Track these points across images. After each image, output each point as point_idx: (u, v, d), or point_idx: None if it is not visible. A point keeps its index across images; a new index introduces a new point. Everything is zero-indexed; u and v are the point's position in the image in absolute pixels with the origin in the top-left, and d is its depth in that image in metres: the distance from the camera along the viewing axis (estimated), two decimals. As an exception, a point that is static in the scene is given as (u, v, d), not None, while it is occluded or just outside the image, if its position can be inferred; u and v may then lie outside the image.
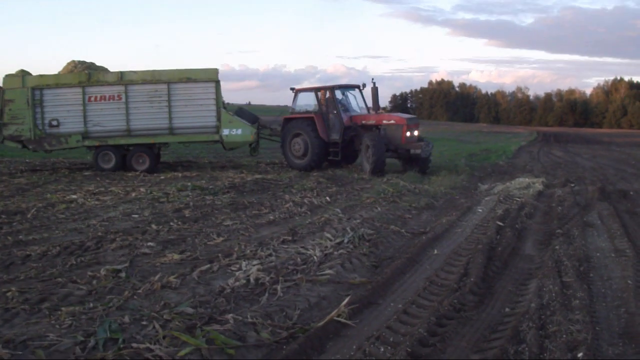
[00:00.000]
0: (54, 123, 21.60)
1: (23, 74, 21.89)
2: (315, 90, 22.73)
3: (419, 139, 21.36)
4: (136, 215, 12.14)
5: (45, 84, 21.64)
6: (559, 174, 23.02)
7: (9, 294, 6.97)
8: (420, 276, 8.22)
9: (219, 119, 22.16)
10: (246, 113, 24.03)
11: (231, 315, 6.26)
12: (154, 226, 10.93)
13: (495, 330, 6.30)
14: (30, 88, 21.41)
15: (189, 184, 16.75)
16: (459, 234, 11.08)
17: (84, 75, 21.88)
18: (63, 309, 6.41)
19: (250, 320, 6.19)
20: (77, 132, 21.66)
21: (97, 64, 23.53)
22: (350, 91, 23.49)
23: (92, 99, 21.72)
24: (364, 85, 22.40)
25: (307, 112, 22.51)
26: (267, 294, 7.08)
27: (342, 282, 7.80)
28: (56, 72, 22.48)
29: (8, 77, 21.79)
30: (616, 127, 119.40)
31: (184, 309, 6.45)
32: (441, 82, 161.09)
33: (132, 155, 21.94)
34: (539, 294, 7.24)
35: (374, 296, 7.25)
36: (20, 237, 10.07)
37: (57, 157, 25.85)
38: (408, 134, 20.72)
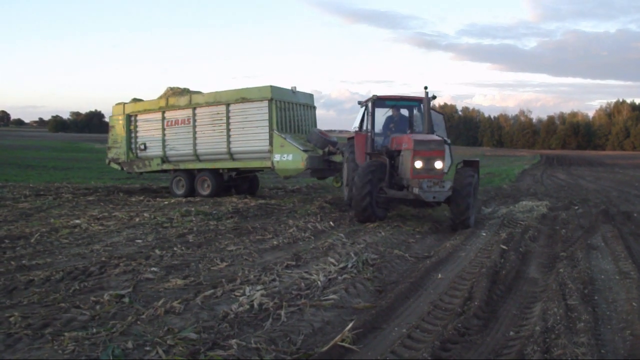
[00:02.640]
0: (142, 147, 22.87)
1: (134, 101, 23.54)
2: (364, 103, 17.24)
3: (443, 172, 14.77)
4: (140, 241, 12.12)
5: (137, 110, 22.99)
6: (563, 197, 23.07)
7: (11, 319, 6.94)
8: (424, 300, 8.19)
9: (271, 142, 19.90)
10: (316, 136, 20.36)
11: (235, 340, 6.24)
12: (157, 251, 10.92)
13: (500, 354, 6.26)
14: (126, 114, 23.13)
15: (193, 209, 16.75)
16: (463, 257, 11.07)
17: (164, 100, 22.44)
18: (66, 334, 6.38)
19: (254, 345, 6.16)
20: (158, 156, 22.54)
21: (194, 89, 23.60)
22: (409, 105, 17.39)
23: (169, 123, 22.25)
24: (434, 97, 15.65)
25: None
26: (270, 319, 7.05)
27: (346, 307, 7.77)
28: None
29: (115, 106, 23.78)
30: (619, 149, 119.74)
31: (188, 335, 6.43)
32: (444, 106, 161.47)
33: (197, 180, 21.97)
34: (544, 317, 7.21)
35: (378, 321, 7.22)
36: (24, 261, 10.06)
37: (61, 182, 25.89)
38: (419, 164, 14.29)
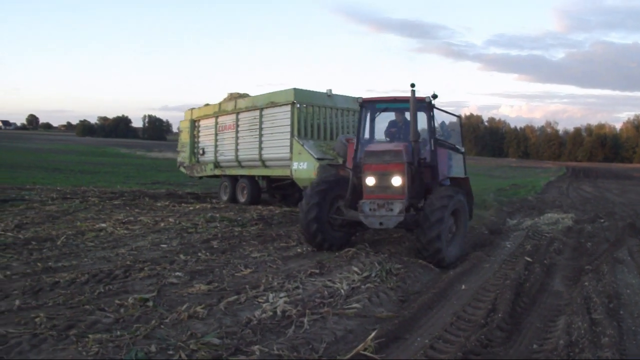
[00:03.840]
0: (201, 152, 23.41)
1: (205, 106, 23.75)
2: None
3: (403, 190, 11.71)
4: (164, 245, 12.20)
5: (199, 115, 23.54)
6: (589, 210, 22.89)
7: (37, 319, 7.02)
8: (447, 311, 8.16)
9: (291, 149, 18.41)
10: (340, 144, 16.39)
11: (257, 347, 6.26)
12: (182, 256, 10.98)
13: (524, 367, 6.23)
14: (191, 119, 23.80)
15: (218, 215, 16.84)
16: (487, 269, 11.03)
17: (217, 106, 22.52)
18: (90, 336, 6.43)
19: (276, 352, 6.17)
20: (211, 161, 22.82)
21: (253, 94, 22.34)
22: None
23: (220, 128, 22.32)
24: (435, 96, 12.59)
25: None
26: (293, 327, 7.06)
27: (369, 316, 7.75)
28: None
29: (186, 111, 24.78)
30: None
31: (211, 340, 6.45)
32: (470, 117, 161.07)
33: (237, 186, 22.00)
34: (568, 330, 7.15)
35: (401, 330, 7.20)
36: (50, 263, 10.17)
37: (87, 185, 26.11)
38: (370, 181, 11.82)
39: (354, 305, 8.04)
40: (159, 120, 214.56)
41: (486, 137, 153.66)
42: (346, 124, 20.09)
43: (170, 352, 6.12)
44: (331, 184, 12.60)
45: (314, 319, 7.39)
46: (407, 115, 13.10)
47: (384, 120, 14.04)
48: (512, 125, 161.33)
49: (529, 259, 11.67)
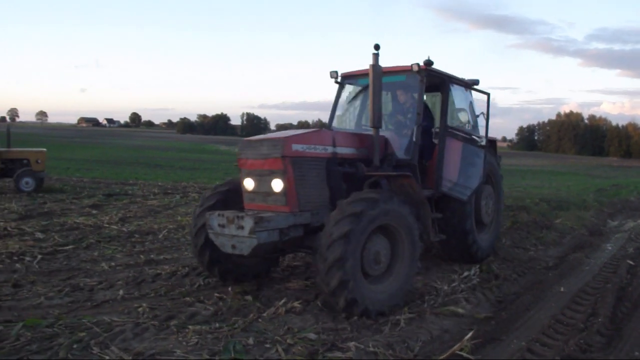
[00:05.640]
0: None
1: None
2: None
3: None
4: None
5: None
6: (698, 213, 21.93)
7: (139, 309, 7.32)
8: (545, 314, 7.96)
9: None
10: None
11: (353, 343, 6.27)
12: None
13: (626, 375, 6.06)
14: None
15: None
16: (587, 271, 10.71)
17: None
18: (190, 327, 6.63)
19: (372, 349, 6.18)
20: None
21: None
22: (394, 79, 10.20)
23: None
24: (429, 63, 9.48)
25: None
26: (389, 324, 7.06)
27: (465, 316, 7.66)
28: None
29: None
30: None
31: (307, 335, 6.53)
32: (569, 114, 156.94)
33: None
34: (675, 338, 6.90)
35: (498, 332, 7.10)
36: (152, 256, 10.51)
37: (187, 181, 26.75)
38: (248, 183, 8.28)
39: (452, 304, 8.00)
40: (257, 118, 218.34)
41: (586, 136, 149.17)
42: None
43: (267, 346, 6.23)
44: (227, 194, 8.84)
45: (411, 317, 7.37)
46: (410, 92, 10.39)
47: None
48: (614, 123, 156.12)
49: (631, 262, 11.26)
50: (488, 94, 11.34)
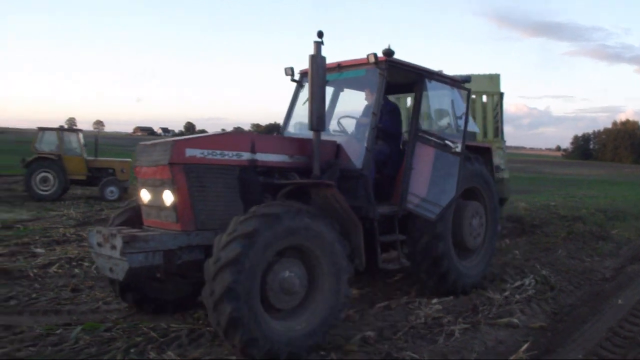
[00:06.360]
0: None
1: None
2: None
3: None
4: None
5: None
6: None
7: (195, 315, 7.54)
8: (602, 326, 7.84)
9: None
10: None
11: (408, 353, 6.34)
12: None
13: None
14: None
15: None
16: (646, 284, 10.55)
17: None
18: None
19: (427, 359, 6.24)
20: None
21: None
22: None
23: None
24: (389, 53, 8.05)
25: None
26: (444, 334, 7.09)
27: (520, 327, 7.62)
28: None
29: None
30: None
31: (363, 343, 6.62)
32: (626, 123, 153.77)
33: None
34: None
35: (553, 344, 7.04)
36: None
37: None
38: (144, 195, 7.06)
39: (506, 315, 7.97)
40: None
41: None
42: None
43: (323, 353, 6.32)
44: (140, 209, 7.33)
45: (465, 327, 7.38)
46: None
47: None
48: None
49: (692, 274, 11.07)
50: (468, 90, 9.71)
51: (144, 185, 6.96)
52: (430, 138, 8.69)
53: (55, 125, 23.88)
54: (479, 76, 15.37)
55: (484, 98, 15.64)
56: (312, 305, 6.38)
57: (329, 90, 9.23)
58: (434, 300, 8.47)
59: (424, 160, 8.58)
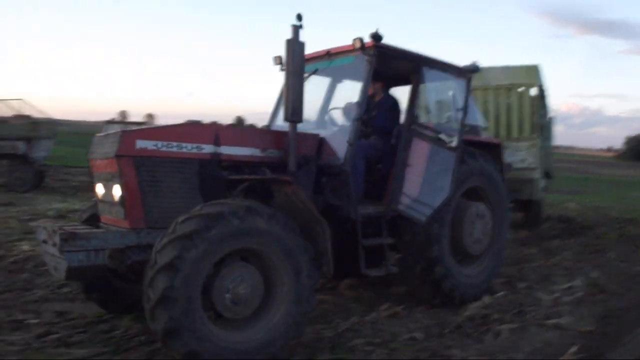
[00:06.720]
0: None
1: None
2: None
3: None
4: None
5: None
6: None
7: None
8: (654, 331, 7.76)
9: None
10: None
11: (455, 351, 6.34)
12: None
13: None
14: None
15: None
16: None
17: None
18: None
19: (473, 358, 6.22)
20: None
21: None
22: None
23: None
24: (377, 37, 7.21)
25: None
26: (491, 333, 7.06)
27: (568, 330, 7.50)
28: None
29: None
30: None
31: (410, 341, 6.64)
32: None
33: None
34: None
35: (602, 348, 6.91)
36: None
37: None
38: (99, 189, 6.56)
39: (555, 317, 7.88)
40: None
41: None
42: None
43: (368, 349, 6.35)
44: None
45: (513, 327, 7.32)
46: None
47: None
48: None
49: None
50: (468, 78, 8.65)
51: (98, 180, 6.45)
52: (425, 132, 7.97)
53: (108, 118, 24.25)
54: (514, 67, 14.65)
55: (520, 91, 14.62)
56: (268, 315, 5.79)
57: (325, 81, 8.90)
58: (486, 298, 8.42)
59: (417, 156, 7.87)
